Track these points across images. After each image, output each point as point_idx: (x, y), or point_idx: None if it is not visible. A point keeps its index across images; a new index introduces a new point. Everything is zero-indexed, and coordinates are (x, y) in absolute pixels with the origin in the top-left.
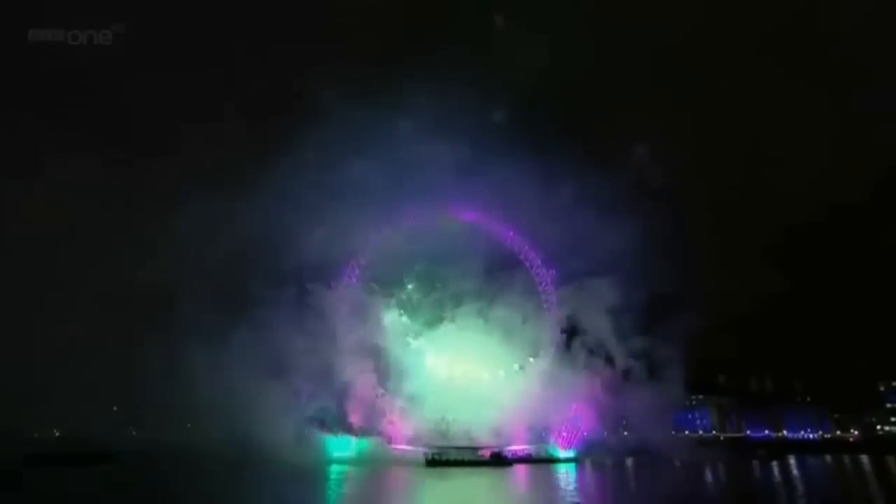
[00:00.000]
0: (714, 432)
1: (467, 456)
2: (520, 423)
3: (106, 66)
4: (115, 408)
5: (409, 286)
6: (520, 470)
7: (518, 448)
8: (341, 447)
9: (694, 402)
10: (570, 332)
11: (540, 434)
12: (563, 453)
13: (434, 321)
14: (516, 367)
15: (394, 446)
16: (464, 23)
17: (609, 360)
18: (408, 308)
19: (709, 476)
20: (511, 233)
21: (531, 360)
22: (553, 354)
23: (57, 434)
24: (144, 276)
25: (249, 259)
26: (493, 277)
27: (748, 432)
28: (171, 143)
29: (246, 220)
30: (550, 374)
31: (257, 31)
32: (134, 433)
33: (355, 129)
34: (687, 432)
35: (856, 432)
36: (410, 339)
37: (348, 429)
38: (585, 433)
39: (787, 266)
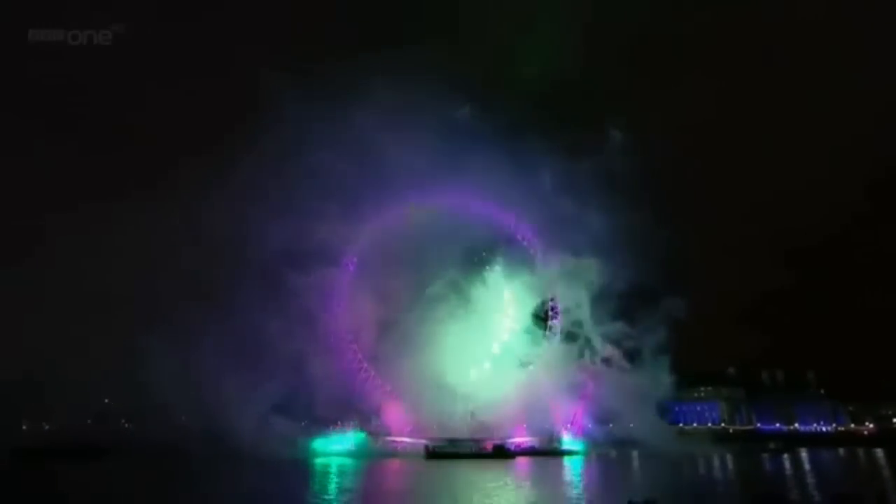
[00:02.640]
0: (723, 425)
1: (469, 448)
2: (518, 414)
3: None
4: (106, 400)
5: (393, 274)
6: (523, 463)
7: (521, 440)
8: (337, 439)
9: (703, 395)
10: (551, 317)
11: (543, 426)
12: (567, 445)
13: (418, 308)
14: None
15: (392, 438)
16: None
17: (598, 349)
18: (392, 296)
19: (712, 470)
20: (495, 215)
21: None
22: (549, 343)
23: (47, 428)
24: (136, 272)
25: (241, 254)
26: (475, 263)
27: (758, 425)
28: (161, 142)
29: (226, 214)
30: (546, 363)
31: (246, 27)
32: (127, 426)
33: (330, 121)
34: (695, 424)
35: (871, 425)
36: (397, 328)
37: (316, 418)
38: (589, 425)
39: (795, 262)
